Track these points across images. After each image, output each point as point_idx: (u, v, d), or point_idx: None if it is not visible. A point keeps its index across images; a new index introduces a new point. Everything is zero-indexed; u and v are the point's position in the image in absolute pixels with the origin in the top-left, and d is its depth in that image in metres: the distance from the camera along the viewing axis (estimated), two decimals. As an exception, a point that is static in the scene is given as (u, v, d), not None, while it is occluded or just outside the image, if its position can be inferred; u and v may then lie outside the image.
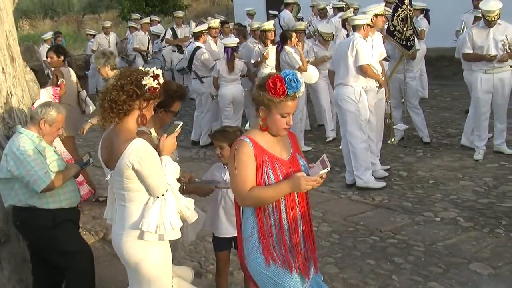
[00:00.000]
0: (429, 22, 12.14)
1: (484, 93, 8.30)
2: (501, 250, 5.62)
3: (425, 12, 12.18)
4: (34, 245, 4.93)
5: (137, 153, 3.49)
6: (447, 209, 6.74)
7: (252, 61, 10.36)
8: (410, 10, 9.02)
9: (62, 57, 8.29)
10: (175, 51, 15.36)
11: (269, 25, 10.44)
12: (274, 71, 9.15)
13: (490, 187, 7.34)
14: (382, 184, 7.66)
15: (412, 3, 9.44)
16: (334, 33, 10.61)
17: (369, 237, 6.19)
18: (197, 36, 10.78)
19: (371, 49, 7.75)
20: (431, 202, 7.02)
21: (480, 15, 8.31)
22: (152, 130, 3.93)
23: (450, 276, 5.20)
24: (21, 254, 5.13)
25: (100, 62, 7.25)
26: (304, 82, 9.44)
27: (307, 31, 11.84)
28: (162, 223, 3.62)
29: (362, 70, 7.52)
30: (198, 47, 10.56)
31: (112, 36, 17.56)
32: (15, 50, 5.27)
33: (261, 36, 10.44)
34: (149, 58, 15.86)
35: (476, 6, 9.60)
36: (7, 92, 5.09)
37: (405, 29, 8.91)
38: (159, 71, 3.67)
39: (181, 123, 3.92)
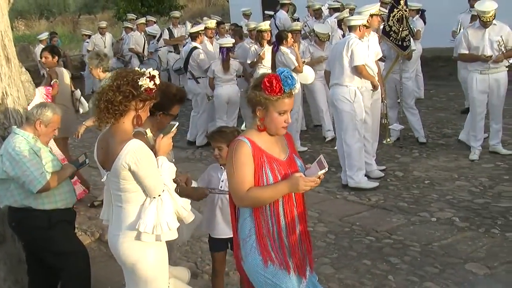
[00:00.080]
0: (424, 23, 12.15)
1: (480, 93, 8.31)
2: (496, 250, 5.63)
3: (421, 13, 12.18)
4: (30, 246, 4.92)
5: (134, 154, 3.48)
6: (443, 209, 6.75)
7: (248, 62, 10.37)
8: (405, 11, 9.03)
9: (56, 57, 8.29)
10: (171, 52, 15.34)
11: (265, 25, 10.45)
12: (270, 71, 9.14)
13: (486, 187, 7.35)
14: (374, 184, 7.67)
15: (408, 3, 9.44)
16: (330, 34, 10.61)
17: (365, 237, 6.20)
18: (193, 36, 10.77)
19: (367, 49, 7.76)
20: (427, 202, 7.03)
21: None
22: (148, 131, 3.93)
23: (446, 276, 5.20)
24: (17, 255, 5.12)
25: (93, 63, 7.24)
26: (300, 83, 9.59)
27: (302, 32, 11.85)
28: (159, 224, 3.62)
29: (357, 71, 7.53)
30: (195, 48, 10.56)
31: (108, 36, 17.55)
32: (11, 50, 5.26)
33: (257, 36, 10.45)
34: (144, 59, 15.85)
35: (472, 6, 9.62)
36: (3, 92, 5.07)
37: (400, 29, 8.91)
38: (155, 72, 3.67)
39: (177, 123, 3.92)
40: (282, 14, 14.59)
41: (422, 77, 12.57)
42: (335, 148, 8.53)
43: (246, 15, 16.73)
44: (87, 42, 17.67)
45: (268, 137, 3.46)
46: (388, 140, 9.51)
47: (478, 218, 6.41)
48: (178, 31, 15.90)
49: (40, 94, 6.61)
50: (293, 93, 3.39)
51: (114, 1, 29.63)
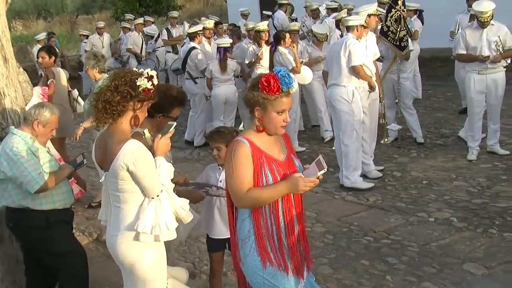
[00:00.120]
0: (422, 23, 12.17)
1: (478, 94, 8.32)
2: (494, 250, 5.64)
3: (419, 13, 12.21)
4: (28, 246, 4.92)
5: (132, 154, 3.48)
6: (441, 210, 6.75)
7: (246, 62, 10.37)
8: (403, 11, 9.05)
9: (53, 57, 8.28)
10: (169, 52, 15.35)
11: (263, 25, 10.44)
12: (268, 71, 9.15)
13: (484, 187, 7.36)
14: (369, 184, 7.68)
15: (406, 3, 9.47)
16: (328, 34, 10.61)
17: (363, 237, 6.20)
18: (192, 36, 10.77)
19: (365, 49, 7.76)
20: (424, 202, 7.03)
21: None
22: (146, 131, 3.92)
23: (443, 276, 5.21)
24: (15, 256, 5.11)
25: (90, 63, 7.24)
26: (298, 83, 9.60)
27: (300, 32, 11.85)
28: (157, 224, 3.61)
29: (355, 71, 7.53)
30: (193, 48, 10.55)
31: (106, 36, 17.53)
32: (8, 50, 5.25)
33: (255, 36, 10.46)
34: (142, 59, 15.84)
35: (470, 6, 9.62)
36: (0, 93, 5.08)
37: (398, 29, 8.92)
38: (153, 72, 3.67)
39: (175, 123, 3.91)
40: (280, 14, 14.58)
41: (420, 77, 12.59)
42: (333, 148, 8.53)
43: (244, 15, 16.73)
44: (85, 42, 17.64)
45: (266, 138, 3.45)
46: (386, 140, 9.52)
47: (476, 218, 6.42)
48: (176, 31, 15.90)
49: (37, 94, 6.61)
50: (291, 92, 3.38)
51: (112, 1, 29.65)
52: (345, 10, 11.56)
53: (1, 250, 5.01)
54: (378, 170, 8.14)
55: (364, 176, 7.96)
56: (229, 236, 3.75)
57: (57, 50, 15.00)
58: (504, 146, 8.68)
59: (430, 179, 7.82)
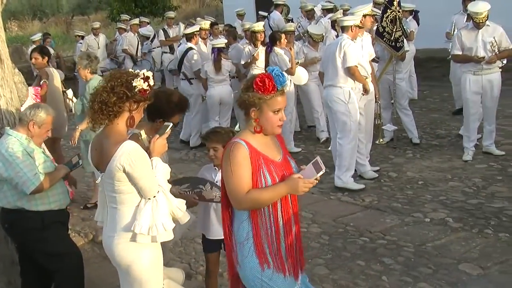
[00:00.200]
0: (418, 24, 12.18)
1: (473, 94, 8.33)
2: (490, 251, 5.65)
3: (414, 14, 12.21)
4: (23, 247, 4.91)
5: (128, 155, 3.48)
6: (437, 210, 6.76)
7: (242, 62, 10.37)
8: (399, 12, 9.06)
9: (46, 58, 8.27)
10: (166, 52, 15.32)
11: (258, 26, 10.44)
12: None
13: (479, 187, 7.37)
14: (361, 186, 7.68)
15: (401, 4, 9.48)
16: (323, 34, 10.61)
17: (359, 238, 6.20)
18: (189, 37, 10.77)
19: (361, 49, 7.77)
20: (420, 203, 7.04)
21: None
22: (142, 132, 3.92)
23: (439, 277, 5.21)
24: (10, 257, 5.10)
25: (82, 63, 7.24)
26: (294, 84, 9.61)
27: (296, 32, 11.85)
28: (154, 225, 3.61)
29: (350, 72, 7.53)
30: (190, 48, 10.55)
31: (102, 37, 17.48)
32: (3, 51, 5.25)
33: (251, 37, 10.46)
34: (138, 60, 15.82)
35: (466, 7, 9.63)
36: (-4, 93, 5.07)
37: (394, 30, 8.93)
38: (149, 73, 3.66)
39: (171, 124, 3.91)
40: (276, 15, 14.58)
41: (415, 78, 12.60)
42: (329, 149, 8.54)
43: (240, 15, 16.72)
44: (80, 43, 17.59)
45: (263, 139, 3.45)
46: (381, 140, 9.53)
47: (471, 219, 6.43)
48: (173, 32, 15.88)
49: (30, 95, 6.60)
50: (285, 90, 3.39)
51: (108, 2, 29.62)
52: (341, 10, 11.55)
53: (-4, 251, 5.01)
54: (374, 171, 8.15)
55: (360, 177, 7.97)
56: (225, 237, 3.73)
57: (52, 50, 15.05)
58: (500, 147, 8.70)
59: (426, 179, 7.83)
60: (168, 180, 3.81)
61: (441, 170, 8.17)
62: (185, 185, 4.38)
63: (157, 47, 15.95)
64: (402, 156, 8.95)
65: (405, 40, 9.32)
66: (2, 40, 5.26)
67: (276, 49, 9.41)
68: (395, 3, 8.94)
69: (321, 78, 8.20)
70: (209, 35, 12.12)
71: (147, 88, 3.61)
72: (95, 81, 7.14)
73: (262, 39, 10.29)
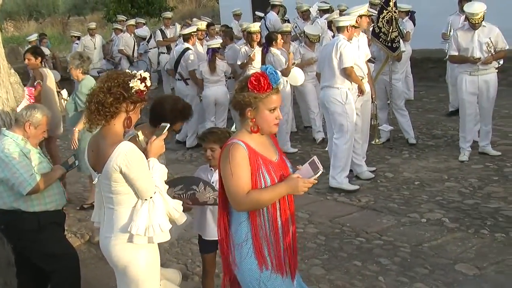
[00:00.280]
0: (414, 24, 12.20)
1: (469, 95, 8.34)
2: (486, 251, 5.66)
3: (410, 14, 12.23)
4: (19, 248, 4.90)
5: (125, 156, 3.47)
6: (433, 210, 6.77)
7: (239, 63, 10.37)
8: (395, 12, 9.06)
9: (39, 58, 8.25)
10: (163, 53, 15.33)
11: (254, 27, 10.45)
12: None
13: (475, 188, 7.38)
14: (355, 186, 7.68)
15: (397, 5, 9.49)
16: (320, 35, 10.62)
17: (355, 238, 6.21)
18: (186, 37, 10.77)
19: (357, 49, 7.77)
20: (417, 203, 7.05)
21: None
22: (139, 133, 3.92)
23: (435, 277, 5.22)
24: (6, 258, 5.09)
25: (74, 63, 7.22)
26: (290, 85, 9.61)
27: (293, 33, 11.86)
28: (151, 226, 3.60)
29: (346, 73, 7.53)
30: (188, 49, 10.55)
31: (98, 38, 17.48)
32: (-1, 52, 5.25)
33: (247, 38, 10.46)
34: (134, 60, 15.81)
35: (462, 8, 9.66)
36: (-8, 94, 5.07)
37: (390, 31, 8.94)
38: (146, 74, 3.65)
39: (168, 125, 3.90)
40: (273, 16, 14.58)
41: (412, 79, 12.62)
42: (326, 149, 8.54)
43: (237, 15, 16.73)
44: (77, 43, 17.58)
45: (259, 139, 3.44)
46: (377, 140, 9.54)
47: (467, 219, 6.44)
48: (170, 32, 15.90)
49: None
50: (279, 88, 3.38)
51: (104, 2, 29.61)
52: (338, 11, 11.55)
53: (-8, 253, 5.00)
54: (370, 171, 8.15)
55: (356, 177, 7.98)
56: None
57: (48, 51, 15.03)
58: (496, 147, 8.71)
59: (422, 180, 7.84)
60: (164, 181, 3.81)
61: (437, 170, 8.18)
62: (179, 187, 4.32)
63: (154, 47, 15.95)
64: (399, 157, 8.96)
65: (401, 40, 9.33)
66: (-2, 40, 5.26)
67: (273, 49, 9.42)
68: (391, 3, 8.95)
69: (319, 78, 8.20)
70: (205, 35, 12.12)
71: (144, 89, 3.60)
72: (87, 81, 7.14)
73: (259, 40, 10.30)
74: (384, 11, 8.97)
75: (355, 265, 5.58)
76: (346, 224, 6.60)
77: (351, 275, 5.40)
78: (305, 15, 13.36)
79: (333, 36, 9.83)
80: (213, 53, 9.95)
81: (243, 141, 3.36)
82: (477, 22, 8.00)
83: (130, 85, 3.55)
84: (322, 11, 12.97)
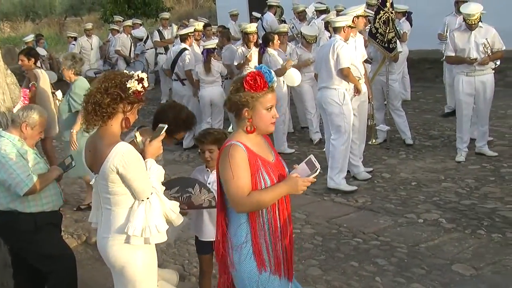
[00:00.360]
0: (411, 25, 12.21)
1: (466, 96, 8.34)
2: (482, 251, 5.67)
3: (407, 15, 12.24)
4: (16, 249, 4.89)
5: (122, 156, 3.47)
6: (430, 211, 6.78)
7: (235, 63, 10.37)
8: (392, 13, 9.07)
9: (33, 60, 8.24)
10: (161, 53, 15.32)
11: (251, 27, 10.44)
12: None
13: (472, 188, 7.39)
14: (353, 187, 7.68)
15: (394, 5, 9.50)
16: (317, 36, 10.62)
17: (352, 239, 6.21)
18: (183, 38, 10.77)
19: (354, 50, 7.78)
20: (413, 203, 7.05)
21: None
22: (137, 134, 3.92)
23: (432, 277, 5.23)
24: (2, 259, 5.09)
25: (67, 64, 7.20)
26: (287, 85, 9.61)
27: (289, 33, 11.86)
28: (147, 227, 3.60)
29: (343, 73, 7.53)
30: (185, 49, 10.55)
31: (95, 39, 17.47)
32: (-4, 53, 5.24)
33: (244, 38, 10.46)
34: (131, 61, 15.80)
35: (459, 9, 9.66)
36: (-12, 95, 5.06)
37: (387, 31, 8.95)
38: (143, 75, 3.65)
39: (166, 126, 3.89)
40: (270, 16, 14.58)
41: (408, 79, 12.62)
42: (323, 150, 8.54)
43: (234, 16, 16.72)
44: (73, 44, 17.55)
45: (256, 140, 3.42)
46: (374, 141, 9.55)
47: (464, 219, 6.44)
48: (168, 33, 15.90)
49: (19, 96, 6.60)
50: (274, 87, 3.38)
51: (101, 3, 29.58)
52: (335, 11, 11.56)
53: (-11, 253, 4.99)
54: (367, 172, 8.16)
55: (353, 178, 7.98)
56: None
57: (45, 52, 15.02)
58: (493, 148, 8.72)
59: (419, 180, 7.84)
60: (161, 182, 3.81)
61: (434, 171, 8.18)
62: (175, 190, 4.28)
63: (150, 48, 15.93)
64: (395, 157, 8.96)
65: (398, 41, 9.34)
66: (-6, 41, 5.24)
67: (269, 50, 9.43)
68: (388, 4, 8.96)
69: (317, 79, 8.20)
70: (202, 36, 12.12)
71: (141, 89, 3.60)
72: (80, 82, 7.13)
73: (255, 40, 10.29)
74: (381, 11, 8.98)
75: (352, 266, 5.58)
76: (343, 224, 6.61)
77: (348, 275, 5.40)
78: (301, 16, 13.35)
79: (330, 37, 9.86)
80: (208, 53, 9.96)
81: (241, 142, 3.34)
82: (473, 23, 8.01)
83: (128, 85, 3.55)
84: (319, 12, 12.97)
